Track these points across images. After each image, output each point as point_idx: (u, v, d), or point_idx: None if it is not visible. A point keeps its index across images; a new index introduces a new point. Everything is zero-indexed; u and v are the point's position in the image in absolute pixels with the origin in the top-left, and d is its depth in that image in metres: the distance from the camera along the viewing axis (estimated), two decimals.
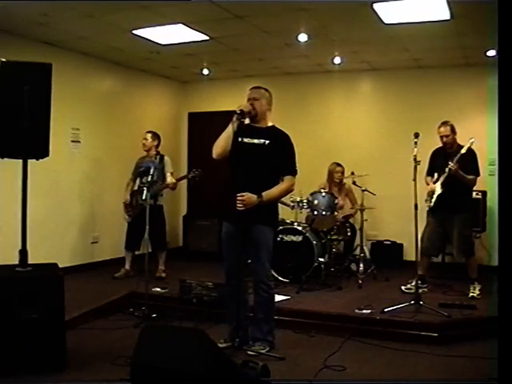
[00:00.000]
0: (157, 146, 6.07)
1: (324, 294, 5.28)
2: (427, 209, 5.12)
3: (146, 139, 6.03)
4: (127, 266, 6.05)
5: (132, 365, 2.75)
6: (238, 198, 3.61)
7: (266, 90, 3.93)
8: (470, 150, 4.82)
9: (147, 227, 4.71)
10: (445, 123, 5.08)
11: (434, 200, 5.02)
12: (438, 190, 4.97)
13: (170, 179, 5.89)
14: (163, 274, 5.95)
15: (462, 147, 4.90)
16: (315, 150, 7.07)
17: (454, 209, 4.97)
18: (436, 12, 4.72)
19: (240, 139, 3.78)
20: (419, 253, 5.20)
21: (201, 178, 5.59)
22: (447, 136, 5.04)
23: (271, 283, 3.90)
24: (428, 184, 5.16)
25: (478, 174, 4.96)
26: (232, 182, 3.73)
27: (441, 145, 5.17)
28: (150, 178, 5.07)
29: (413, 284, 4.99)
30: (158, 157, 6.01)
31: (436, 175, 5.06)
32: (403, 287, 5.26)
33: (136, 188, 6.05)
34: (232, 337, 3.78)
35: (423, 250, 5.19)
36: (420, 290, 4.71)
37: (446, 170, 4.83)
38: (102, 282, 5.79)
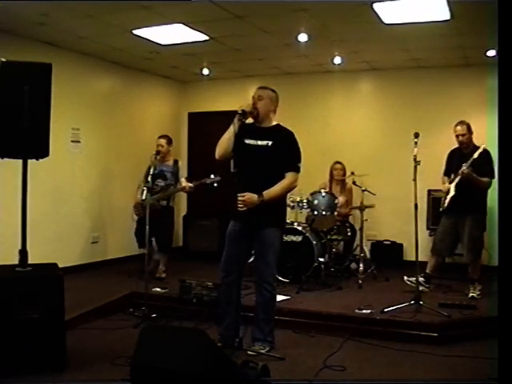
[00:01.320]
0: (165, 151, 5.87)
1: (324, 294, 5.28)
2: (441, 209, 5.12)
3: (161, 145, 5.87)
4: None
5: (132, 365, 2.75)
6: (239, 198, 3.62)
7: (273, 90, 3.92)
8: (484, 152, 4.81)
9: (147, 227, 4.72)
10: (461, 122, 5.04)
11: (447, 201, 5.01)
12: (452, 191, 4.94)
13: (184, 183, 5.83)
14: (163, 275, 5.94)
15: (477, 148, 4.88)
16: (315, 149, 7.04)
17: (467, 210, 4.95)
18: (436, 12, 4.72)
19: (245, 141, 3.78)
20: (430, 252, 5.25)
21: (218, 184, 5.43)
22: (463, 135, 5.00)
23: (275, 283, 3.89)
24: (444, 183, 5.16)
25: (492, 177, 4.89)
26: (239, 183, 3.71)
27: (456, 145, 5.13)
28: (148, 178, 5.04)
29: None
30: (172, 161, 5.99)
31: (452, 176, 5.04)
32: (406, 277, 5.17)
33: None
34: (222, 336, 3.76)
35: (435, 250, 5.21)
36: (421, 288, 4.70)
37: (459, 172, 4.81)
38: (102, 282, 5.79)
